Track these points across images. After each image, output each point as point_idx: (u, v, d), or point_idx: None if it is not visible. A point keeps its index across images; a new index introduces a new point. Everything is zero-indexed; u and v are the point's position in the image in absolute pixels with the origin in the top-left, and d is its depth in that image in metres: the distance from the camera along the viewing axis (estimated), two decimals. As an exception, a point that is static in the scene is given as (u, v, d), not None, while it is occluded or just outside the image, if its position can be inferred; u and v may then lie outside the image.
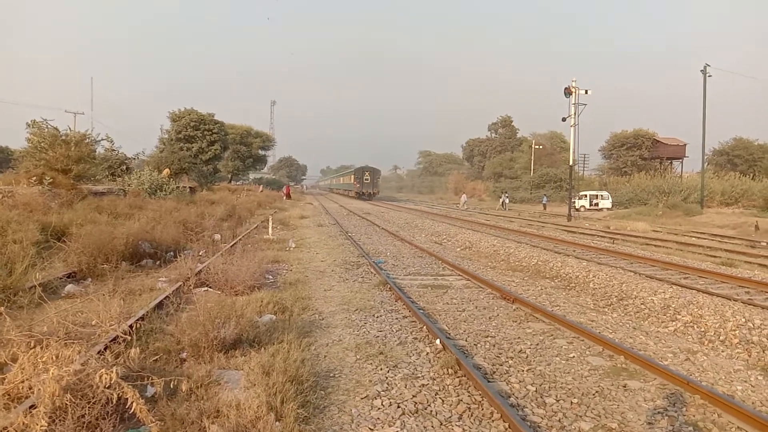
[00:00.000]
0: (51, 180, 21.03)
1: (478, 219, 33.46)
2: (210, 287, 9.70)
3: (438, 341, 7.11)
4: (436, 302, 9.89)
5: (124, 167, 34.13)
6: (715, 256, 16.69)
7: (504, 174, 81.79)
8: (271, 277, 11.73)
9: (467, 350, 7.08)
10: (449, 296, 10.42)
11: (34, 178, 21.05)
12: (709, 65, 40.78)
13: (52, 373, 4.18)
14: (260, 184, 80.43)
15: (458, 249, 18.25)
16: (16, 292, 7.97)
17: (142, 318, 7.09)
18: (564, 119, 35.17)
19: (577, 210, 42.84)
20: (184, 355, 6.04)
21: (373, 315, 8.71)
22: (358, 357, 6.64)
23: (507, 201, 52.32)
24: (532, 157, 71.62)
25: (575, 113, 34.38)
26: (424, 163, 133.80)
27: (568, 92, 34.30)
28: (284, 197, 56.55)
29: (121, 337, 5.72)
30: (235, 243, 15.78)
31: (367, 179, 65.43)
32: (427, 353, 6.82)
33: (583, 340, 7.57)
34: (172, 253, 13.17)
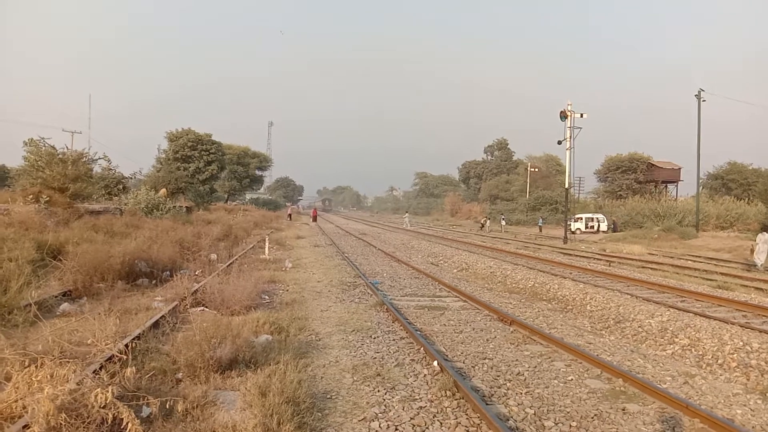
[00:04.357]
0: (47, 198, 20.98)
1: (474, 240, 33.47)
2: (206, 307, 9.65)
3: (436, 363, 7.07)
4: (434, 323, 9.85)
5: (121, 186, 34.19)
6: (711, 280, 16.70)
7: (500, 196, 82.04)
8: (267, 297, 11.68)
9: (465, 372, 7.04)
10: (446, 318, 10.38)
11: (31, 196, 21.01)
12: (703, 90, 41.24)
13: (47, 393, 4.14)
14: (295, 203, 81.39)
15: (455, 270, 18.23)
16: (11, 311, 7.91)
17: (138, 337, 7.03)
18: (560, 142, 35.48)
19: (573, 233, 42.90)
20: (180, 375, 5.99)
21: (371, 336, 8.67)
22: (355, 378, 6.59)
23: (504, 223, 52.40)
24: (528, 180, 71.87)
25: (571, 137, 34.66)
26: (420, 184, 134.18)
27: (563, 116, 34.58)
28: (288, 218, 57.50)
29: (117, 356, 5.68)
30: (231, 263, 15.73)
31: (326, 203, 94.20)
32: (425, 375, 6.77)
33: (581, 363, 7.53)
34: (168, 272, 13.10)
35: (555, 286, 13.90)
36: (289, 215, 60.61)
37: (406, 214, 58.59)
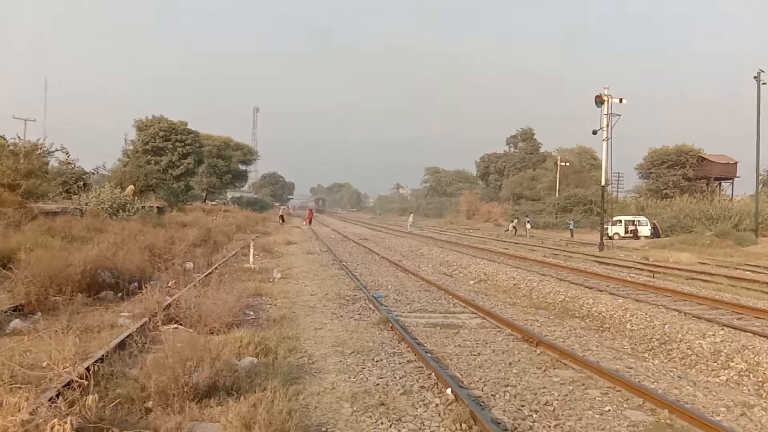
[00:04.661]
0: (-5, 197, 21.06)
1: (494, 247, 33.47)
2: (180, 324, 9.66)
3: (449, 390, 7.06)
4: (447, 344, 9.85)
5: (82, 183, 34.36)
6: (773, 294, 16.64)
7: (524, 195, 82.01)
8: (252, 312, 11.69)
9: (484, 401, 7.03)
10: (461, 337, 10.38)
11: (-25, 194, 21.10)
12: (763, 71, 41.08)
13: (-5, 424, 4.15)
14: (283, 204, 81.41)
15: (471, 282, 18.23)
16: (-48, 329, 7.94)
17: (101, 360, 7.05)
18: (595, 132, 35.41)
19: (611, 238, 42.84)
20: (150, 404, 6.00)
21: (373, 359, 8.67)
22: (354, 408, 6.59)
23: (529, 227, 52.38)
24: (558, 176, 71.83)
25: (608, 125, 34.59)
26: (431, 181, 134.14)
27: (599, 101, 34.54)
28: (279, 220, 57.25)
29: (77, 381, 5.70)
30: (210, 272, 15.74)
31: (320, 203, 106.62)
32: (437, 405, 6.77)
33: (619, 391, 7.51)
34: (136, 283, 13.13)
35: (589, 300, 13.88)
36: (281, 217, 59.82)
37: (411, 215, 58.61)
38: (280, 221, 57.23)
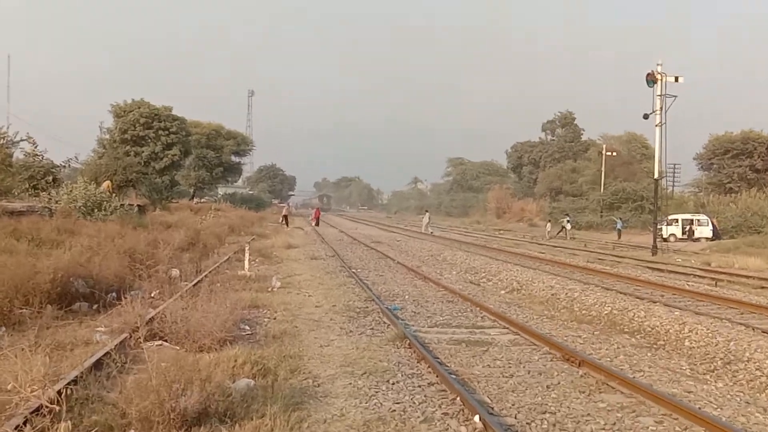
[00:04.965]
0: (-48, 195, 21.25)
1: (529, 251, 33.37)
2: (166, 341, 9.71)
3: (477, 418, 7.05)
4: (474, 364, 9.83)
5: (51, 178, 34.57)
6: None
7: (564, 190, 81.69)
8: (247, 327, 11.73)
9: (518, 431, 7.00)
10: (491, 356, 10.35)
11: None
12: None
13: (-45, 455, 4.20)
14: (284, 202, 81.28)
15: (502, 292, 18.19)
16: None
17: (74, 381, 7.09)
18: (646, 116, 35.17)
19: (665, 240, 42.56)
20: (131, 432, 6.03)
21: (388, 381, 8.66)
22: (367, 439, 6.59)
23: (568, 227, 52.21)
24: (603, 168, 71.40)
25: (662, 108, 34.34)
26: (454, 174, 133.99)
27: (651, 80, 34.29)
28: (282, 221, 55.66)
29: (47, 406, 5.74)
30: (199, 281, 15.81)
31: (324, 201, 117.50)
32: (463, 434, 6.76)
33: (677, 419, 7.46)
34: (114, 293, 13.23)
35: (641, 313, 13.80)
36: (284, 218, 57.07)
37: (426, 213, 58.36)
38: (283, 223, 55.16)
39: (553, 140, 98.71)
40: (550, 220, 56.43)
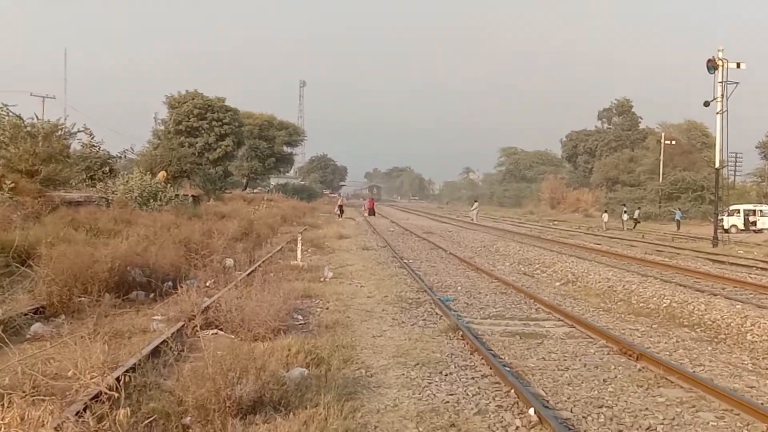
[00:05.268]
0: (12, 185, 21.66)
1: (584, 242, 32.97)
2: (221, 329, 9.88)
3: (532, 411, 7.00)
4: (528, 357, 9.77)
5: (107, 169, 35.27)
6: None
7: (621, 179, 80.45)
8: (301, 317, 11.86)
9: (573, 425, 6.94)
10: (546, 349, 10.27)
11: (-10, 182, 21.81)
12: None
13: (19, 440, 4.32)
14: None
15: (557, 283, 18.02)
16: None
17: (132, 369, 7.25)
18: (707, 104, 34.37)
19: (727, 231, 41.57)
20: (187, 419, 6.14)
21: (441, 372, 8.67)
22: (420, 430, 6.60)
23: (626, 218, 51.50)
24: (662, 157, 70.06)
25: (723, 95, 33.51)
26: (507, 164, 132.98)
27: (712, 66, 33.43)
28: (337, 211, 55.98)
29: (106, 393, 5.86)
30: (253, 270, 16.03)
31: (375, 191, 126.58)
32: (517, 427, 6.72)
33: (738, 414, 7.30)
34: (170, 282, 13.44)
35: (701, 306, 13.54)
36: (340, 208, 57.55)
37: (475, 204, 58.00)
38: (338, 213, 55.59)
39: (610, 129, 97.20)
40: (606, 210, 55.65)
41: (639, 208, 54.87)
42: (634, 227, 50.44)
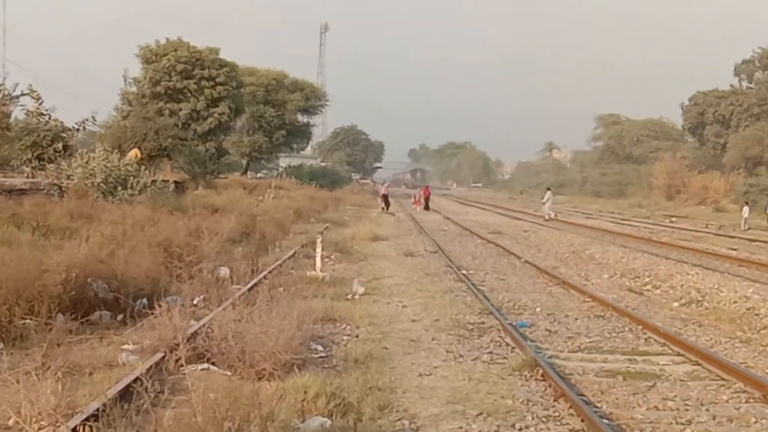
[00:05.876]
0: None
1: (714, 246, 32.59)
2: (213, 363, 9.93)
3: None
4: (635, 405, 9.70)
5: (60, 146, 35.46)
6: None
7: (766, 159, 79.24)
8: (321, 347, 11.89)
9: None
10: (660, 394, 10.20)
11: None
12: None
13: None
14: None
15: (675, 304, 17.86)
16: None
17: (94, 417, 7.30)
18: None
19: None
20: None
21: (513, 426, 8.64)
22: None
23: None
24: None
25: None
26: (606, 137, 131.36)
27: None
28: (381, 202, 55.95)
29: (60, 449, 5.94)
30: (256, 284, 16.10)
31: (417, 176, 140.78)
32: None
33: None
34: (144, 299, 13.48)
35: None
36: (384, 198, 58.26)
37: (548, 193, 57.55)
38: (383, 206, 56.28)
39: (751, 88, 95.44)
40: (746, 203, 54.88)
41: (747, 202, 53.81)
42: None
